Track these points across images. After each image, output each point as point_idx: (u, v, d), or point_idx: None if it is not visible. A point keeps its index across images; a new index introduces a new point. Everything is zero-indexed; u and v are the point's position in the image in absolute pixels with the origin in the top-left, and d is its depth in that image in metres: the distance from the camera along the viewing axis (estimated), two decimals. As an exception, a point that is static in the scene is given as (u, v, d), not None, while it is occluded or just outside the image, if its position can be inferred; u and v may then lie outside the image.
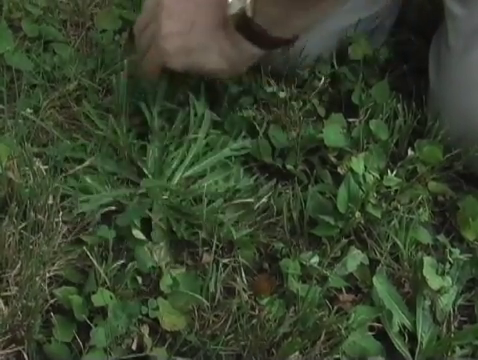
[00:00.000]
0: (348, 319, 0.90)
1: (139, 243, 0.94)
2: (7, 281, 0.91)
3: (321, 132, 1.08)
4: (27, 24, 1.18)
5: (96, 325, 0.87)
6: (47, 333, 0.89)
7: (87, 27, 1.22)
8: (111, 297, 0.88)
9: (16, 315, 0.88)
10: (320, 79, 1.15)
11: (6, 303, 0.89)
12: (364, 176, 1.01)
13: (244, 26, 1.00)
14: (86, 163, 1.01)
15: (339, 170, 1.06)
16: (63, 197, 0.98)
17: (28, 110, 1.06)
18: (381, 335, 0.93)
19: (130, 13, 1.23)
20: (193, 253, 0.98)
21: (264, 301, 0.91)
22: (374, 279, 0.95)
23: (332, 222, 0.98)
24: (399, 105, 1.10)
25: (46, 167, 0.98)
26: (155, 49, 1.03)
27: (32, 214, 0.92)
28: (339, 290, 0.97)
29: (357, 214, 0.98)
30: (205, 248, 0.98)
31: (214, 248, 0.94)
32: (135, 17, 1.18)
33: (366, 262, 0.99)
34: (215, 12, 1.01)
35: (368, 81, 1.18)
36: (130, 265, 0.91)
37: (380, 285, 0.95)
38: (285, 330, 0.88)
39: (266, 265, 0.99)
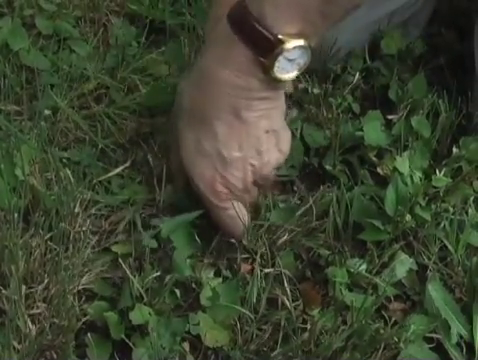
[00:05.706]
0: (407, 331, 0.83)
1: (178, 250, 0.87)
2: (33, 298, 0.84)
3: (360, 130, 1.01)
4: (41, 21, 1.11)
5: (134, 344, 0.80)
6: (79, 353, 0.82)
7: (103, 23, 1.15)
8: (150, 313, 0.81)
9: (46, 335, 0.81)
10: (354, 75, 1.09)
11: (33, 321, 0.82)
12: (411, 176, 0.95)
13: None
14: (117, 170, 0.94)
15: (379, 170, 1.00)
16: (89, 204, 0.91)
17: (46, 111, 0.99)
18: (435, 346, 0.87)
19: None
20: (230, 260, 0.92)
21: (314, 312, 0.85)
22: (429, 286, 0.88)
23: (381, 226, 0.91)
24: (440, 100, 1.04)
25: (70, 172, 0.91)
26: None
27: (60, 224, 0.85)
28: (388, 298, 0.90)
29: (407, 217, 0.91)
30: (242, 256, 0.91)
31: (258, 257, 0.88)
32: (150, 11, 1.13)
33: (414, 267, 0.92)
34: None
35: (401, 76, 1.12)
36: (168, 277, 0.84)
37: (435, 293, 0.88)
38: (339, 345, 0.81)
39: (308, 273, 0.92)
